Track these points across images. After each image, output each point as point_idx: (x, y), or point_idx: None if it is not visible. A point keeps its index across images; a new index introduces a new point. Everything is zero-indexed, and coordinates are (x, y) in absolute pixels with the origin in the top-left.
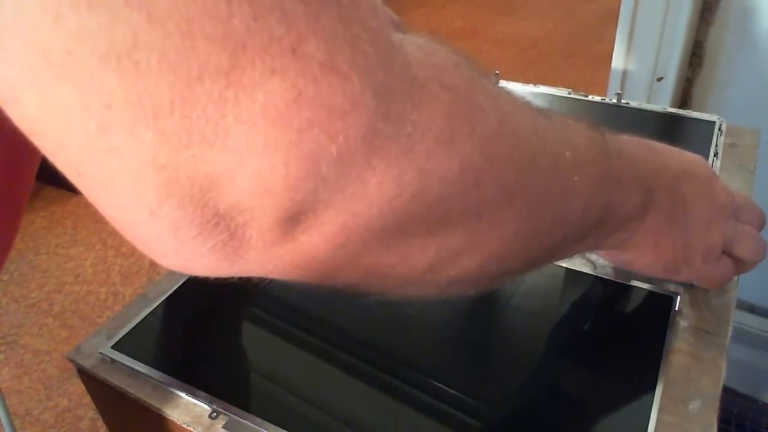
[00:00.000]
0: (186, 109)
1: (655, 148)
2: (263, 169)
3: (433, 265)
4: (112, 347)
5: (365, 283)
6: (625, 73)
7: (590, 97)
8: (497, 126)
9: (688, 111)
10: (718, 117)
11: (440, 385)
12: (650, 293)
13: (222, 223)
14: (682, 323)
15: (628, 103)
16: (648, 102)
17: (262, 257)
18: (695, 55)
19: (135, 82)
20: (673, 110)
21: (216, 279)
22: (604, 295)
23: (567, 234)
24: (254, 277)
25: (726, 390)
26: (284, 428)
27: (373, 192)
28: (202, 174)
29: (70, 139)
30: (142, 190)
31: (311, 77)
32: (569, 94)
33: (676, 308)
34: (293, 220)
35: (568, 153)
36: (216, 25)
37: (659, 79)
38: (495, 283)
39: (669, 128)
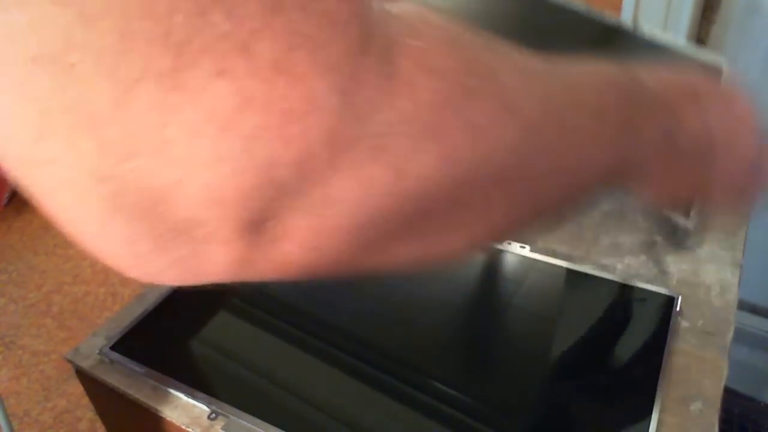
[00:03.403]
0: (126, 116)
1: (685, 82)
2: (213, 180)
3: (417, 257)
4: (111, 348)
5: (350, 274)
6: None
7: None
8: (495, 112)
9: (699, 49)
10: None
11: (441, 385)
12: (652, 294)
13: (180, 238)
14: (684, 324)
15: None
16: None
17: (231, 269)
18: None
19: (70, 86)
20: (683, 47)
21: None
22: (606, 296)
23: (570, 197)
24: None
25: (727, 391)
26: (283, 429)
27: (340, 195)
28: (150, 186)
29: (9, 147)
30: (88, 204)
31: (262, 78)
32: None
33: (678, 309)
34: (255, 230)
35: (586, 121)
36: (156, 23)
37: None
38: (486, 250)
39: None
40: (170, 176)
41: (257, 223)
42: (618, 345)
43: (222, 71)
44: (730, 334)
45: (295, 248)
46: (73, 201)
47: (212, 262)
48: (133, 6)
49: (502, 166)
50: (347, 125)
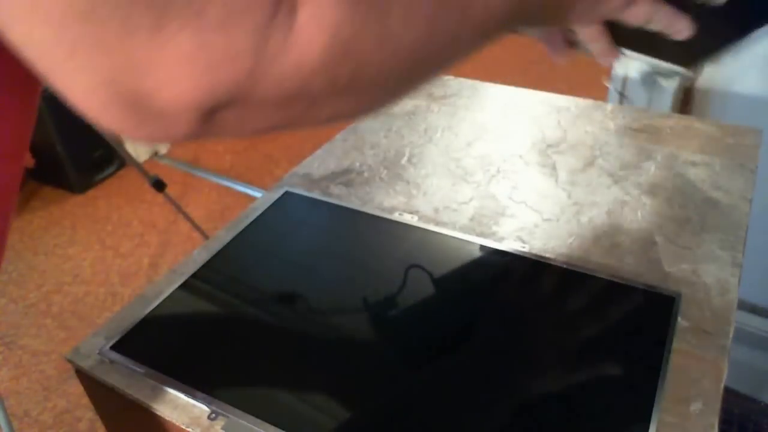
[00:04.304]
0: (129, 48)
1: None
2: (180, 89)
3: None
4: (111, 348)
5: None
6: (626, 72)
7: None
8: (388, 34)
9: None
10: None
11: (440, 385)
12: (652, 293)
13: (155, 120)
14: (683, 323)
15: None
16: (649, 102)
17: (185, 137)
18: None
19: (95, 28)
20: None
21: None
22: (606, 296)
23: (482, 37)
24: None
25: (727, 391)
26: (283, 429)
27: (258, 103)
28: (139, 89)
29: (44, 60)
30: (97, 96)
31: (208, 33)
32: None
33: (678, 309)
34: (203, 119)
35: None
36: (146, 3)
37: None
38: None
39: None
40: (153, 85)
41: (205, 116)
42: (618, 345)
43: (185, 26)
44: (730, 334)
45: (228, 132)
46: (87, 92)
47: (174, 135)
48: None
49: (408, 63)
50: (260, 65)
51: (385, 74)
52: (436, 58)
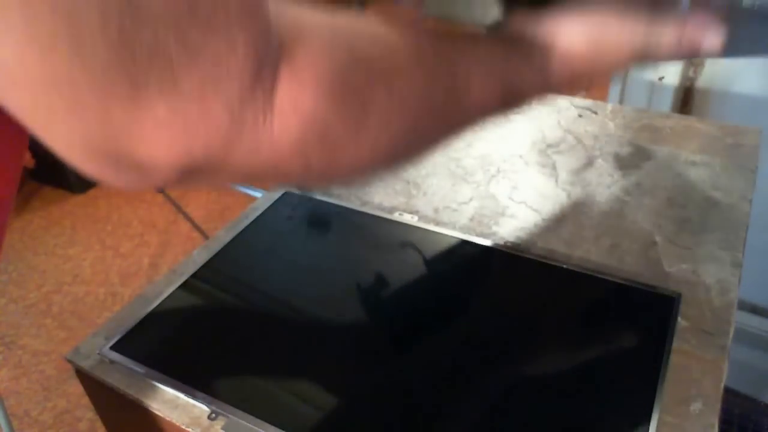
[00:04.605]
0: (105, 114)
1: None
2: (156, 151)
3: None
4: (111, 348)
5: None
6: (626, 73)
7: None
8: (370, 111)
9: None
10: None
11: (438, 386)
12: (652, 294)
13: (133, 172)
14: (684, 324)
15: None
16: (649, 102)
17: (166, 186)
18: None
19: (71, 96)
20: None
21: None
22: (606, 296)
23: (474, 117)
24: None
25: (727, 391)
26: (283, 429)
27: (231, 171)
28: (117, 149)
29: (26, 117)
30: (76, 152)
31: (184, 102)
32: None
33: (678, 309)
34: (182, 176)
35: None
36: (123, 69)
37: (660, 79)
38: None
39: None
40: (129, 146)
41: (182, 174)
42: (618, 345)
43: (160, 94)
44: (730, 334)
45: (206, 184)
46: (65, 148)
47: (153, 186)
48: (111, 58)
49: (387, 154)
50: (233, 137)
51: (362, 162)
52: (417, 149)
